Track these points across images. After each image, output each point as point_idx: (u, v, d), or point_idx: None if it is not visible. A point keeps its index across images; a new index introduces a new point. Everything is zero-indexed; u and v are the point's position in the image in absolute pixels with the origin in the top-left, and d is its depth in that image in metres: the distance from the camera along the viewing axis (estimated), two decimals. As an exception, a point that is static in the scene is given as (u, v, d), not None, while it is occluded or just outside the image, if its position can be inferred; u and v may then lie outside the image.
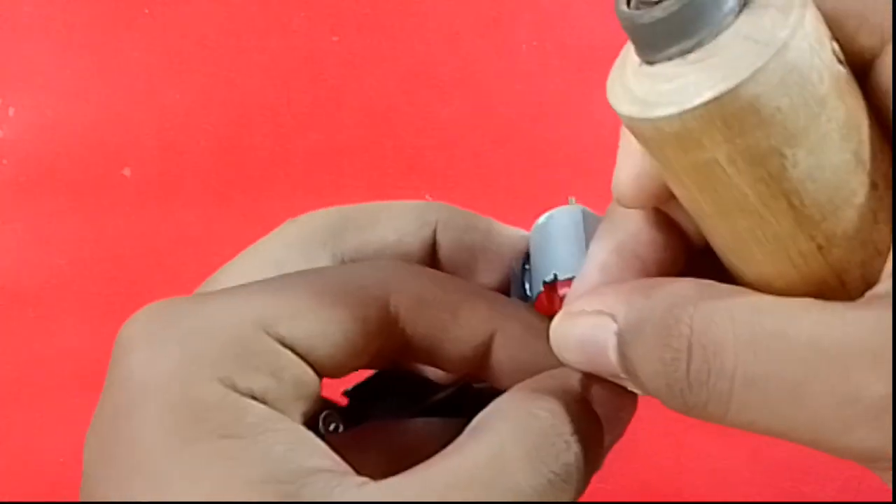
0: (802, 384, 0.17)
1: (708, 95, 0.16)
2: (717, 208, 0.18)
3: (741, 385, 0.17)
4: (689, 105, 0.16)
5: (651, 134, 0.17)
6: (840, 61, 0.17)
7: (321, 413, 0.24)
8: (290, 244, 0.25)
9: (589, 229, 0.24)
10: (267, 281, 0.22)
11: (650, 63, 0.17)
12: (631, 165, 0.21)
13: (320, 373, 0.22)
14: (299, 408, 0.21)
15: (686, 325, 0.18)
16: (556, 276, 0.23)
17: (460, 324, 0.22)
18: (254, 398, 0.20)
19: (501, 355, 0.22)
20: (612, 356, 0.20)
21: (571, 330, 0.21)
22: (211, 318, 0.21)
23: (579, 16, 0.59)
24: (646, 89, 0.17)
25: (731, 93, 0.16)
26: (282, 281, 0.22)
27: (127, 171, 0.57)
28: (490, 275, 0.25)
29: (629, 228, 0.22)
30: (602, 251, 0.23)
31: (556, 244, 0.24)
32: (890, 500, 0.50)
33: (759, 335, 0.17)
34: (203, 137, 0.58)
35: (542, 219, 0.25)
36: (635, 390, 0.21)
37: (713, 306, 0.18)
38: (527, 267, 0.25)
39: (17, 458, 0.50)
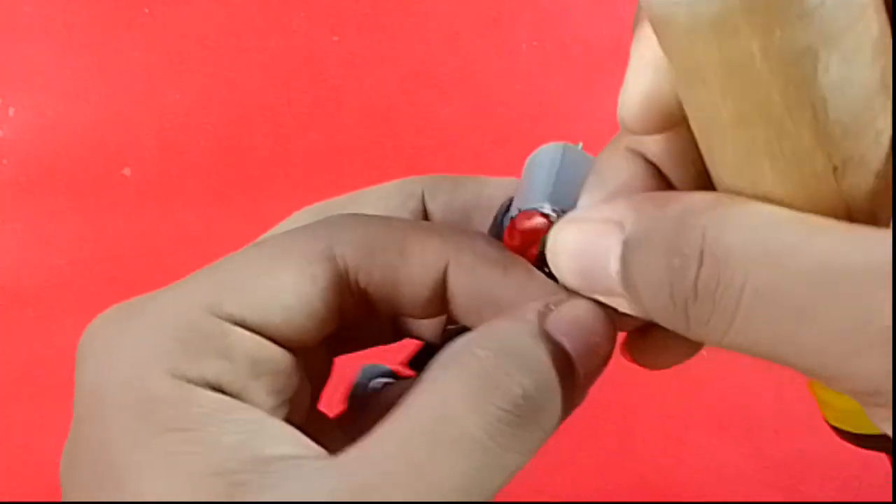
0: (814, 303, 0.16)
1: None
2: (739, 114, 0.17)
3: (749, 298, 0.17)
4: None
5: (685, 22, 0.16)
6: None
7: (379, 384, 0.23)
8: None
9: (569, 165, 0.23)
10: (212, 266, 0.21)
11: None
12: (641, 83, 0.20)
13: (286, 345, 0.21)
14: (263, 386, 0.20)
15: (699, 231, 0.17)
16: (518, 209, 0.23)
17: (410, 261, 0.21)
18: (208, 385, 0.19)
19: (456, 288, 0.21)
20: (614, 266, 0.19)
21: (572, 236, 0.20)
22: (159, 311, 0.20)
23: (579, 16, 0.59)
24: None
25: None
26: (225, 261, 0.21)
27: (127, 171, 0.57)
28: (487, 229, 0.24)
29: (618, 181, 0.21)
30: (590, 203, 0.22)
31: (528, 181, 0.23)
32: (890, 500, 0.50)
33: (773, 249, 0.17)
34: (203, 137, 0.58)
35: (533, 153, 0.25)
36: (628, 310, 0.20)
37: (728, 214, 0.17)
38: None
39: (17, 458, 0.50)
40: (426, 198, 0.24)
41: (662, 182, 0.21)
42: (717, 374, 0.54)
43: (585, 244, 0.20)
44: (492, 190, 0.24)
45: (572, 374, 0.20)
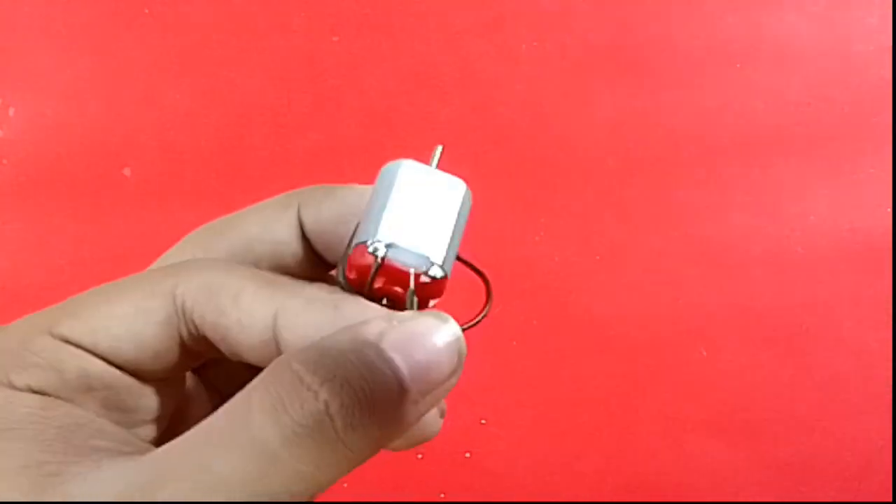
0: None
1: None
2: None
3: None
4: None
5: None
6: None
7: None
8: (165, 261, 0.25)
9: (408, 186, 0.23)
10: (74, 297, 0.23)
11: None
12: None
13: (125, 369, 0.22)
14: (95, 399, 0.21)
15: None
16: (353, 243, 0.22)
17: (241, 306, 0.21)
18: (33, 392, 0.20)
19: (287, 334, 0.21)
20: None
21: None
22: (5, 332, 0.22)
23: (579, 16, 0.59)
24: None
25: None
26: (85, 293, 0.23)
27: (127, 171, 0.57)
28: None
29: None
30: None
31: (369, 206, 0.23)
32: (890, 500, 0.50)
33: None
34: (203, 137, 0.58)
35: (384, 167, 0.24)
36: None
37: None
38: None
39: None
40: (301, 209, 0.24)
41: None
42: (717, 375, 0.54)
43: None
44: (357, 199, 0.24)
45: (399, 393, 0.19)
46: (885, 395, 0.53)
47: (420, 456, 0.54)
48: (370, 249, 0.21)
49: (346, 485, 0.52)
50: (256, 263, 0.24)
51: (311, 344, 0.20)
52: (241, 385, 0.25)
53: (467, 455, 0.54)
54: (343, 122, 0.58)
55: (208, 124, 0.58)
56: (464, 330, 0.22)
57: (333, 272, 0.25)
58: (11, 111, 0.58)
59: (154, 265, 0.25)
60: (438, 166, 0.24)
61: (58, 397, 0.21)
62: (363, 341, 0.19)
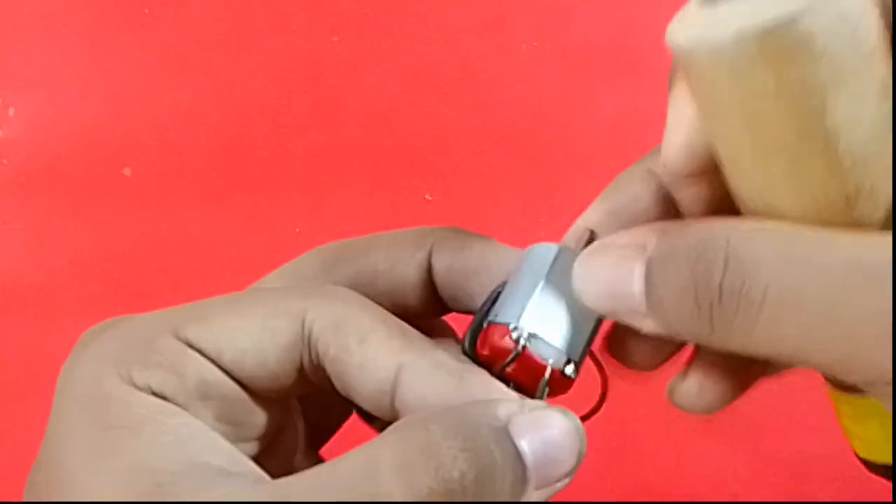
0: (838, 296, 0.17)
1: (764, 23, 0.17)
2: (757, 147, 0.18)
3: (775, 297, 0.17)
4: (747, 31, 0.17)
5: (707, 63, 0.18)
6: (886, 26, 0.18)
7: None
8: (285, 279, 0.25)
9: (559, 272, 0.22)
10: (198, 302, 0.23)
11: (712, 2, 0.18)
12: (683, 130, 0.21)
13: (242, 383, 0.22)
14: (210, 408, 0.21)
15: (723, 240, 0.18)
16: (493, 319, 0.22)
17: (366, 351, 0.21)
18: (153, 392, 0.20)
19: (406, 391, 0.21)
20: (637, 284, 0.19)
21: (597, 261, 0.20)
22: (128, 326, 0.22)
23: (579, 16, 0.59)
24: (705, 22, 0.18)
25: (786, 24, 0.17)
26: (210, 300, 0.23)
27: (127, 171, 0.57)
28: (484, 297, 0.24)
29: (629, 194, 0.22)
30: (597, 211, 0.23)
31: (515, 282, 0.23)
32: (890, 500, 0.50)
33: (797, 252, 0.17)
34: (203, 137, 0.58)
35: (529, 248, 0.24)
36: (652, 329, 0.20)
37: (751, 226, 0.18)
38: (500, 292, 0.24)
39: (17, 458, 0.50)
40: (433, 252, 0.24)
41: (670, 208, 0.22)
42: (717, 375, 0.54)
43: (610, 269, 0.20)
44: (496, 258, 0.24)
45: (522, 480, 0.19)
46: (885, 394, 0.53)
47: (420, 456, 0.54)
48: (514, 336, 0.21)
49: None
50: (378, 297, 0.23)
51: (445, 409, 0.20)
52: (334, 417, 0.25)
53: (467, 455, 0.54)
54: (343, 122, 0.58)
55: (208, 124, 0.58)
56: (582, 419, 0.22)
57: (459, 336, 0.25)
58: (11, 111, 0.58)
59: (273, 275, 0.25)
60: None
61: (175, 402, 0.20)
62: (494, 419, 0.19)
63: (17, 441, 0.51)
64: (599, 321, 0.23)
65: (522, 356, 0.22)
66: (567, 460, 0.20)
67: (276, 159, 0.57)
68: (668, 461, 0.52)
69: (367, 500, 0.18)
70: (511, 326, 0.22)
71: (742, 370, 0.24)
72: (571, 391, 0.24)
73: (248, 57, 0.59)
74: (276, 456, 0.24)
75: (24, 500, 0.21)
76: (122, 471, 0.19)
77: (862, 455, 0.26)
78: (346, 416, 0.27)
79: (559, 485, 0.21)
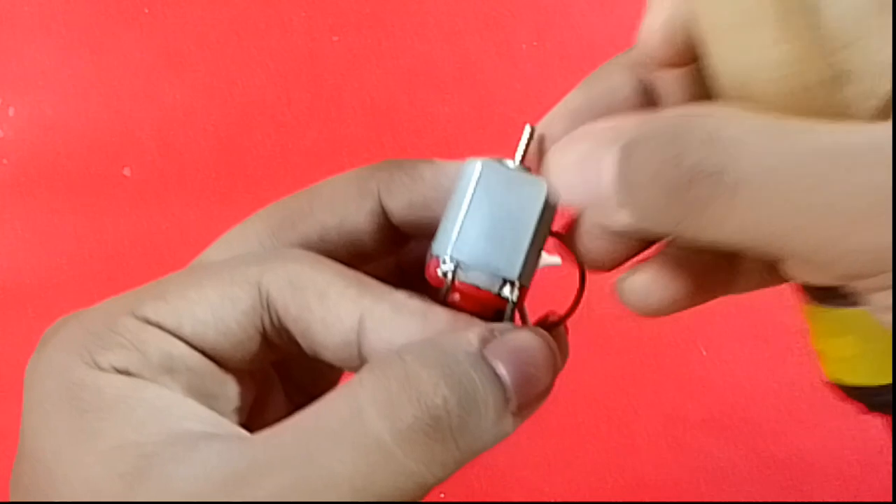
0: (818, 179, 0.16)
1: None
2: (738, 18, 0.18)
3: (751, 178, 0.16)
4: None
5: None
6: None
7: None
8: (231, 250, 0.24)
9: (489, 187, 0.22)
10: (156, 281, 0.23)
11: None
12: (662, 13, 0.20)
13: (208, 354, 0.21)
14: (178, 382, 0.21)
15: (699, 123, 0.17)
16: (431, 251, 0.22)
17: (327, 305, 0.21)
18: (118, 372, 0.20)
19: (372, 338, 0.20)
20: (609, 169, 0.18)
21: (571, 148, 0.20)
22: (88, 315, 0.22)
23: (579, 16, 0.59)
24: None
25: None
26: (167, 277, 0.23)
27: (127, 171, 0.57)
28: None
29: (609, 83, 0.22)
30: (576, 98, 0.22)
31: (448, 208, 0.22)
32: (890, 500, 0.50)
33: (775, 133, 0.17)
34: (203, 137, 0.58)
35: (464, 163, 0.23)
36: (623, 223, 0.19)
37: (729, 111, 0.17)
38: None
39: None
40: (383, 196, 0.23)
41: (651, 99, 0.21)
42: (717, 374, 0.54)
43: (583, 155, 0.19)
44: (450, 181, 0.23)
45: (504, 402, 0.19)
46: (885, 394, 0.53)
47: (420, 456, 0.54)
48: (442, 269, 0.21)
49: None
50: (332, 252, 0.23)
51: (418, 342, 0.19)
52: (315, 382, 0.25)
53: (467, 455, 0.54)
54: (343, 122, 0.58)
55: (208, 124, 0.58)
56: (554, 325, 0.23)
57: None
58: (11, 111, 0.58)
59: (214, 246, 0.24)
60: (526, 153, 0.23)
61: (142, 378, 0.20)
62: (468, 346, 0.19)
63: (17, 441, 0.51)
64: (542, 227, 0.22)
65: (458, 287, 0.21)
66: (543, 377, 0.20)
67: (276, 159, 0.57)
68: (668, 461, 0.52)
69: (355, 440, 0.18)
70: (441, 259, 0.21)
71: (704, 276, 0.23)
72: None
73: (248, 57, 0.59)
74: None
75: (11, 499, 0.21)
76: (106, 450, 0.19)
77: (835, 377, 0.25)
78: (332, 384, 0.26)
79: (538, 403, 0.20)
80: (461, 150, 0.57)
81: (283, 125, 0.58)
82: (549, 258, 0.23)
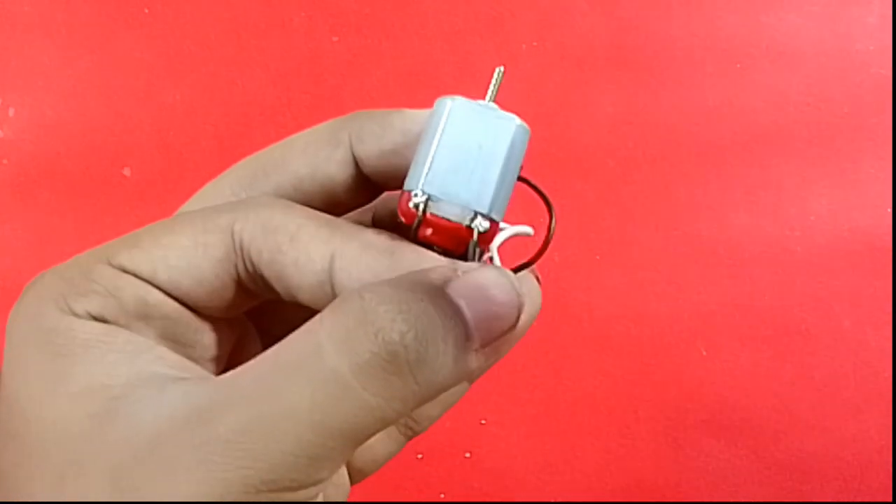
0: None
1: None
2: None
3: None
4: None
5: None
6: None
7: None
8: (205, 203, 0.25)
9: (458, 122, 0.22)
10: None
11: None
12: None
13: (183, 301, 0.22)
14: (153, 328, 0.21)
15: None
16: (404, 186, 0.22)
17: (298, 247, 0.21)
18: (93, 318, 0.21)
19: (342, 277, 0.21)
20: None
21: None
22: (64, 266, 0.22)
23: (579, 16, 0.59)
24: None
25: None
26: (140, 229, 0.23)
27: (127, 171, 0.57)
28: None
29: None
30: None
31: (420, 145, 0.23)
32: (890, 500, 0.50)
33: None
34: (203, 137, 0.58)
35: (435, 103, 0.24)
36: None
37: None
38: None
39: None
40: (354, 144, 0.24)
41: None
42: (717, 375, 0.54)
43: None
44: (416, 126, 0.24)
45: (464, 338, 0.19)
46: (885, 394, 0.53)
47: (420, 456, 0.54)
48: (411, 204, 0.22)
49: (346, 485, 0.52)
50: (307, 201, 0.23)
51: (380, 281, 0.20)
52: (293, 328, 0.26)
53: (467, 455, 0.54)
54: (343, 122, 0.58)
55: (208, 124, 0.58)
56: (523, 267, 0.23)
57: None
58: (11, 111, 0.58)
59: (189, 202, 0.25)
60: (499, 92, 0.24)
61: (117, 324, 0.21)
62: (430, 284, 0.20)
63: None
64: (512, 163, 0.23)
65: (429, 219, 0.22)
66: (508, 314, 0.20)
67: (276, 159, 0.57)
68: (668, 461, 0.52)
69: (314, 374, 0.18)
70: (413, 193, 0.22)
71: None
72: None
73: (248, 57, 0.59)
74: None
75: None
76: (77, 392, 0.19)
77: None
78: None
79: (504, 341, 0.21)
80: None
81: (283, 125, 0.58)
82: (521, 228, 0.24)
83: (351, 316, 0.19)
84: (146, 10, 0.60)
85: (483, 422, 0.54)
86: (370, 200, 0.25)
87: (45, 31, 0.60)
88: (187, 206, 0.25)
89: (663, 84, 0.57)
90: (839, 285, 0.55)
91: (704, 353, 0.54)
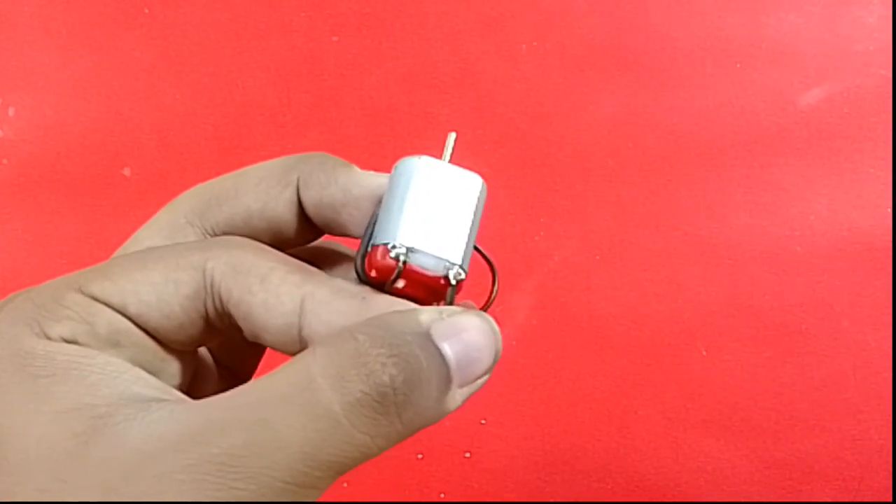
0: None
1: None
2: None
3: None
4: None
5: None
6: None
7: None
8: (160, 229, 0.25)
9: (425, 180, 0.23)
10: (103, 263, 0.24)
11: None
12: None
13: (150, 334, 0.22)
14: (124, 356, 0.22)
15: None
16: (374, 241, 0.23)
17: (268, 288, 0.22)
18: (65, 342, 0.21)
19: (312, 320, 0.22)
20: None
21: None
22: (34, 292, 0.23)
23: (579, 16, 0.59)
24: None
25: None
26: (113, 259, 0.24)
27: (127, 171, 0.57)
28: (357, 228, 0.25)
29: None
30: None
31: (387, 202, 0.23)
32: (890, 500, 0.50)
33: None
34: (203, 137, 0.58)
35: (395, 165, 0.25)
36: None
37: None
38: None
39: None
40: (300, 188, 0.25)
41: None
42: (717, 375, 0.54)
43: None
44: (360, 190, 0.25)
45: (447, 382, 0.21)
46: (885, 394, 0.53)
47: (420, 456, 0.54)
48: (392, 255, 0.22)
49: (345, 484, 0.52)
50: (256, 235, 0.24)
51: (370, 320, 0.21)
52: (244, 362, 0.26)
53: (467, 455, 0.54)
54: (343, 122, 0.58)
55: (208, 124, 0.58)
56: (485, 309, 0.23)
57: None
58: (11, 111, 0.58)
59: (146, 227, 0.25)
60: (453, 153, 0.25)
61: (89, 347, 0.21)
62: (418, 326, 0.21)
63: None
64: (477, 218, 0.24)
65: (406, 271, 0.22)
66: (486, 359, 0.22)
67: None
68: (668, 461, 0.52)
69: (306, 408, 0.19)
70: (390, 245, 0.22)
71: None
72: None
73: (248, 57, 0.59)
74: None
75: None
76: (60, 410, 0.19)
77: None
78: (258, 360, 0.28)
79: (479, 382, 0.22)
80: (461, 149, 0.57)
81: (283, 125, 0.58)
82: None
83: (345, 355, 0.20)
84: (146, 10, 0.60)
85: (483, 422, 0.54)
86: (314, 240, 0.26)
87: (45, 31, 0.60)
88: (143, 230, 0.26)
89: (663, 84, 0.57)
90: (839, 285, 0.55)
91: (704, 353, 0.54)
